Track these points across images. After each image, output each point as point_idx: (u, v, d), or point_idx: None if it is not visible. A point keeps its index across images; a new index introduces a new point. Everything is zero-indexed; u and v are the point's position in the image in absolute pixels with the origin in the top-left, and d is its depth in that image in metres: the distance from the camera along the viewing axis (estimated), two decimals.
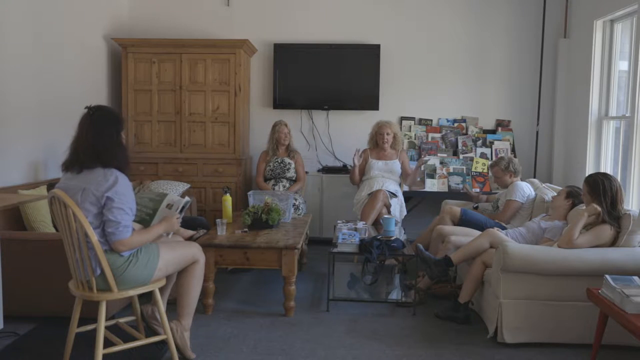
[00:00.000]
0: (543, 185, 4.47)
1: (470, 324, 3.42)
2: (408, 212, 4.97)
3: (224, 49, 5.19)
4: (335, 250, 3.75)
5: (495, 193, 4.64)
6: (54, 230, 3.53)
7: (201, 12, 5.72)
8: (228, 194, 4.05)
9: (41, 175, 4.12)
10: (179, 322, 2.85)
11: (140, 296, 2.77)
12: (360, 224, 4.14)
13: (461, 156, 5.41)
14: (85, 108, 2.58)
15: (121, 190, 2.44)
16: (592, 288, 2.82)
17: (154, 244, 2.67)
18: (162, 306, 2.70)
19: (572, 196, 3.66)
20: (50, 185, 3.74)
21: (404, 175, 4.96)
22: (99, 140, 2.49)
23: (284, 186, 4.87)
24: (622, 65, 4.57)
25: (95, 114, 2.55)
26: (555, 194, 4.16)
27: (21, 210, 3.52)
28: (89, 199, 2.43)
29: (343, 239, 3.80)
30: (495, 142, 5.49)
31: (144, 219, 2.73)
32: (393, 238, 3.76)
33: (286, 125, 5.03)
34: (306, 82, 5.63)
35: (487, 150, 5.46)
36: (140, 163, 5.21)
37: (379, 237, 3.77)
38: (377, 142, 4.92)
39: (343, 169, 5.54)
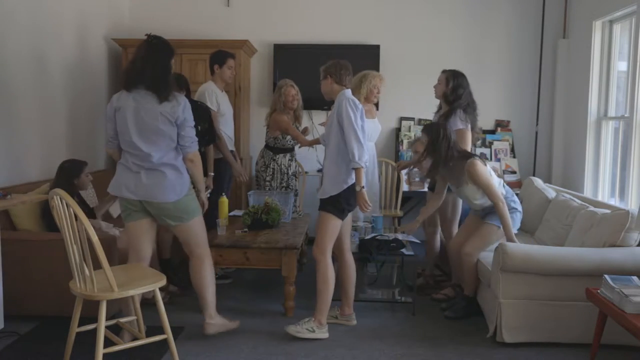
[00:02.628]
0: (544, 185, 4.48)
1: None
2: (408, 212, 4.97)
3: (224, 49, 5.18)
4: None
5: None
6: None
7: (201, 13, 5.72)
8: (225, 196, 4.03)
9: (40, 175, 4.12)
10: (209, 317, 3.11)
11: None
12: (360, 223, 4.13)
13: None
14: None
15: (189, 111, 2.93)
16: (592, 288, 2.84)
17: None
18: (162, 306, 2.70)
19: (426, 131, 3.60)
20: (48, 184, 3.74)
21: None
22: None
23: (289, 159, 4.59)
24: (621, 65, 4.58)
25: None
26: (554, 193, 4.18)
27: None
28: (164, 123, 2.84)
29: None
30: (495, 143, 5.50)
31: None
32: (392, 238, 3.76)
33: (293, 85, 4.47)
34: (306, 82, 5.61)
35: (486, 151, 5.47)
36: None
37: (378, 237, 3.78)
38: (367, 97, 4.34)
39: None
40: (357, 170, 3.06)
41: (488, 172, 3.46)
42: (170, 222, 2.96)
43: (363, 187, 3.05)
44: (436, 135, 3.46)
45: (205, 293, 3.09)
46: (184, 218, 2.96)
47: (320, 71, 3.28)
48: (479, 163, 3.41)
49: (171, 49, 3.02)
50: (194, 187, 3.08)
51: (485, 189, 3.40)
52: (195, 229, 3.04)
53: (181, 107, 2.87)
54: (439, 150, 3.44)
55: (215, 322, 3.13)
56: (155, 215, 2.96)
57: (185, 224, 2.98)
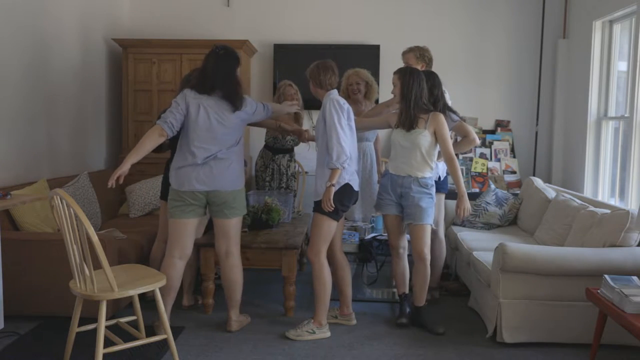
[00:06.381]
0: (544, 185, 4.48)
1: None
2: None
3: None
4: None
5: None
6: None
7: (201, 13, 5.72)
8: None
9: (41, 174, 4.12)
10: (235, 315, 3.29)
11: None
12: (359, 223, 4.13)
13: (461, 156, 5.41)
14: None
15: None
16: (591, 288, 2.84)
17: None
18: (162, 306, 2.70)
19: (399, 72, 3.54)
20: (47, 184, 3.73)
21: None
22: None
23: (289, 159, 4.57)
24: (621, 65, 4.58)
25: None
26: (554, 193, 4.18)
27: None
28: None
29: (343, 238, 3.80)
30: (495, 143, 5.50)
31: None
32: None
33: (291, 85, 4.42)
34: (306, 83, 5.61)
35: (486, 151, 5.47)
36: (140, 163, 5.18)
37: (378, 237, 3.78)
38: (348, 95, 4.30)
39: None
40: (333, 170, 3.09)
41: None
42: (227, 214, 3.14)
43: (333, 184, 3.09)
44: (408, 79, 3.38)
45: (238, 292, 3.27)
46: (238, 211, 3.19)
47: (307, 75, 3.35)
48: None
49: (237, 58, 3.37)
50: None
51: (445, 141, 3.32)
52: (239, 226, 3.26)
53: (248, 105, 3.21)
54: (409, 94, 3.34)
55: (239, 319, 3.32)
56: (215, 207, 3.13)
57: (237, 219, 3.20)
